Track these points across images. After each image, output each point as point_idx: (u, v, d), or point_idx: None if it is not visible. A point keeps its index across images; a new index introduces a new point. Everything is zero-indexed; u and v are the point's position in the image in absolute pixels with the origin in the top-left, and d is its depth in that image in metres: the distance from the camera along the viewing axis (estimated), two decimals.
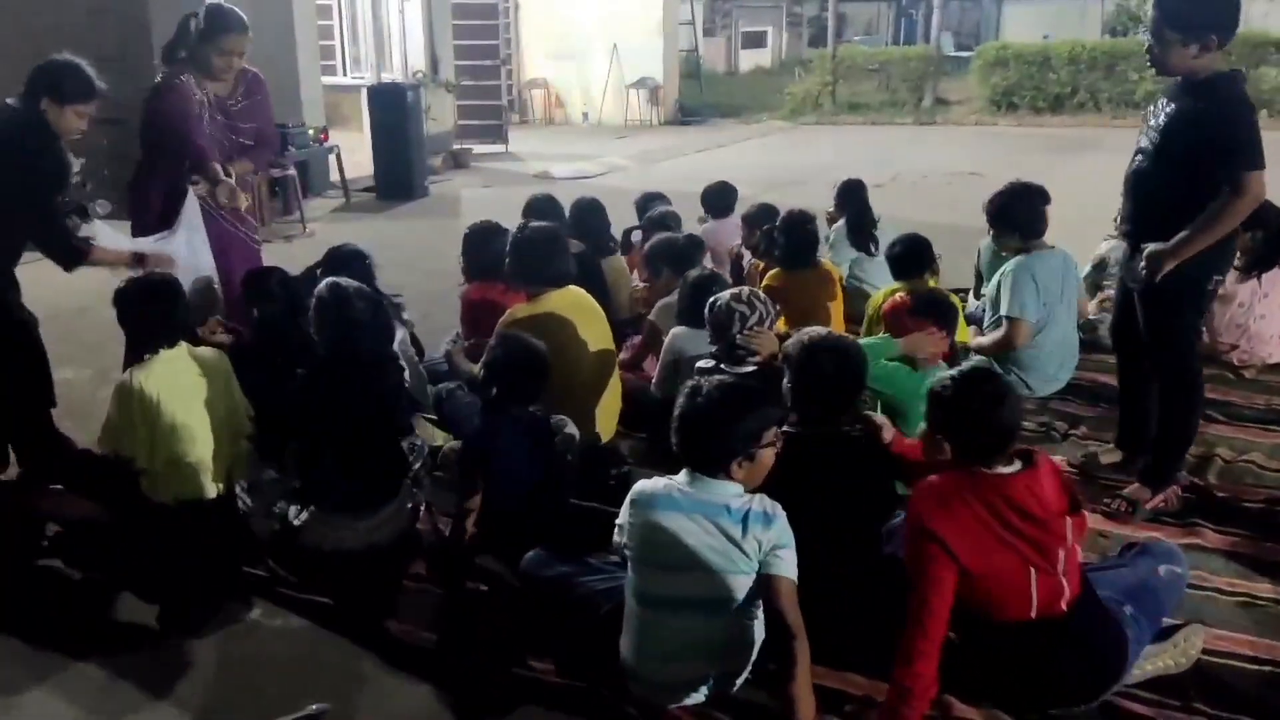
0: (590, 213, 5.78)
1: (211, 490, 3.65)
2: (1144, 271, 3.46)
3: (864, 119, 19.32)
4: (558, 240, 4.51)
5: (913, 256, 4.70)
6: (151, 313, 3.67)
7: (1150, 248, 3.44)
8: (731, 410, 2.61)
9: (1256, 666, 2.86)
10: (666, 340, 4.33)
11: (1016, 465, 2.61)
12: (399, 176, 11.20)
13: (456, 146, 13.79)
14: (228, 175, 4.49)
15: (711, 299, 3.77)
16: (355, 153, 11.80)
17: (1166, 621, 2.89)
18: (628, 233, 6.18)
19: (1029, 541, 2.54)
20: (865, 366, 3.14)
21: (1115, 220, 3.75)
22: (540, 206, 5.55)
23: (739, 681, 2.70)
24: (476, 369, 4.15)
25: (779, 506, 2.61)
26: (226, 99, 4.55)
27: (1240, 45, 16.75)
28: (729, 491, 2.60)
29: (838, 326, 4.93)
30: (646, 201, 6.67)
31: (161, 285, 3.76)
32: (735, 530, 2.54)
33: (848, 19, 34.15)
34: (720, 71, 30.01)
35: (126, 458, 3.62)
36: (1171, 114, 3.48)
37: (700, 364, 3.71)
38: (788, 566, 2.54)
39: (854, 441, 3.03)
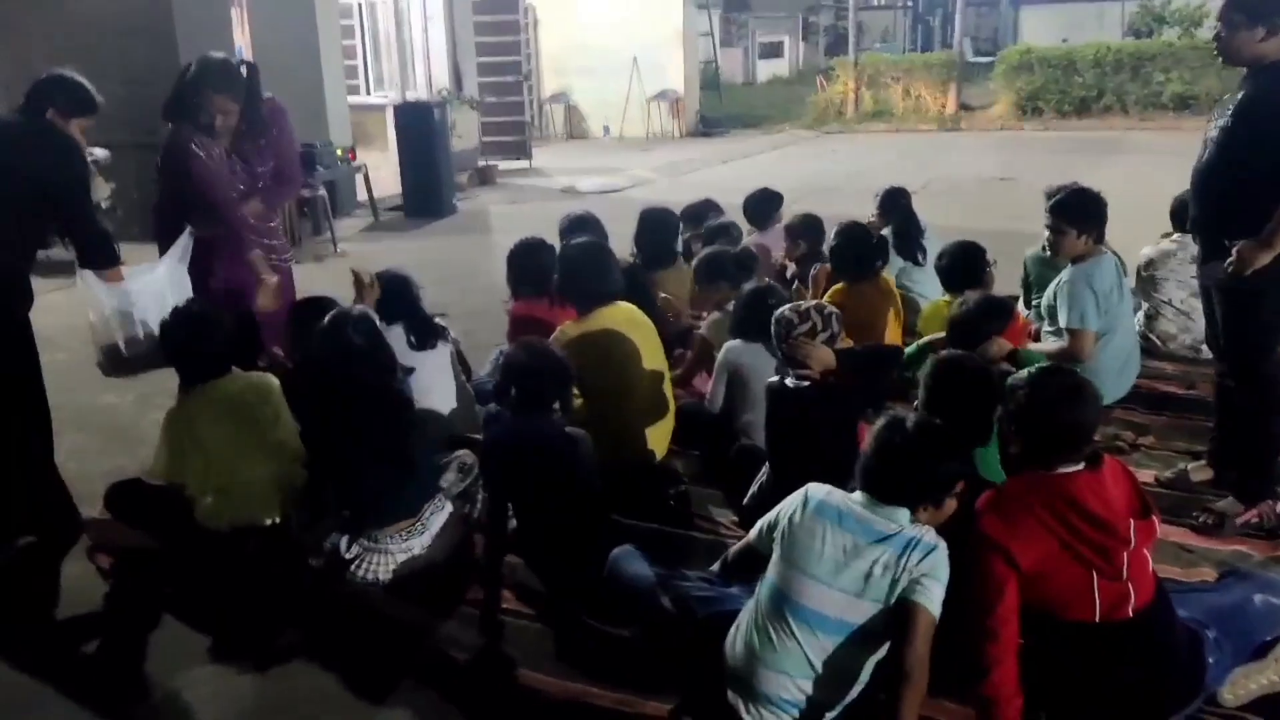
0: (659, 223, 5.72)
1: (265, 517, 3.60)
2: (1230, 269, 3.34)
3: (888, 126, 19.23)
4: (607, 255, 4.44)
5: (963, 267, 4.59)
6: (195, 345, 3.64)
7: (1241, 243, 3.32)
8: (935, 453, 2.56)
9: None
10: (720, 355, 4.23)
11: (1079, 466, 2.54)
12: (427, 194, 11.17)
13: (482, 163, 13.77)
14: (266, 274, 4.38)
15: (778, 313, 3.67)
16: (380, 171, 11.78)
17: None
18: (689, 242, 6.06)
19: (1089, 543, 2.48)
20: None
21: (1187, 223, 3.64)
22: (578, 223, 5.46)
23: (828, 718, 2.58)
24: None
25: (943, 542, 2.51)
26: (243, 142, 4.43)
27: None
28: (900, 519, 2.52)
29: (895, 339, 4.83)
30: (703, 210, 6.54)
31: (202, 317, 3.72)
32: (890, 557, 2.46)
33: (864, 27, 34.08)
34: (738, 82, 29.99)
35: (178, 485, 3.58)
36: (1240, 101, 3.41)
37: (769, 380, 3.62)
38: (932, 600, 2.42)
39: None
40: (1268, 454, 3.65)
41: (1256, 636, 2.74)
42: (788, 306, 3.64)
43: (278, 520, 3.61)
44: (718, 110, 21.34)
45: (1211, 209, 3.55)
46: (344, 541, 3.38)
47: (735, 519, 3.85)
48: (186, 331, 3.62)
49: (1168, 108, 17.49)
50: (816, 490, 2.63)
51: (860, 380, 3.52)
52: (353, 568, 3.35)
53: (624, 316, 4.24)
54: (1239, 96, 3.45)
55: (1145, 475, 3.84)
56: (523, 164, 15.15)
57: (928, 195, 10.88)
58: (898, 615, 2.43)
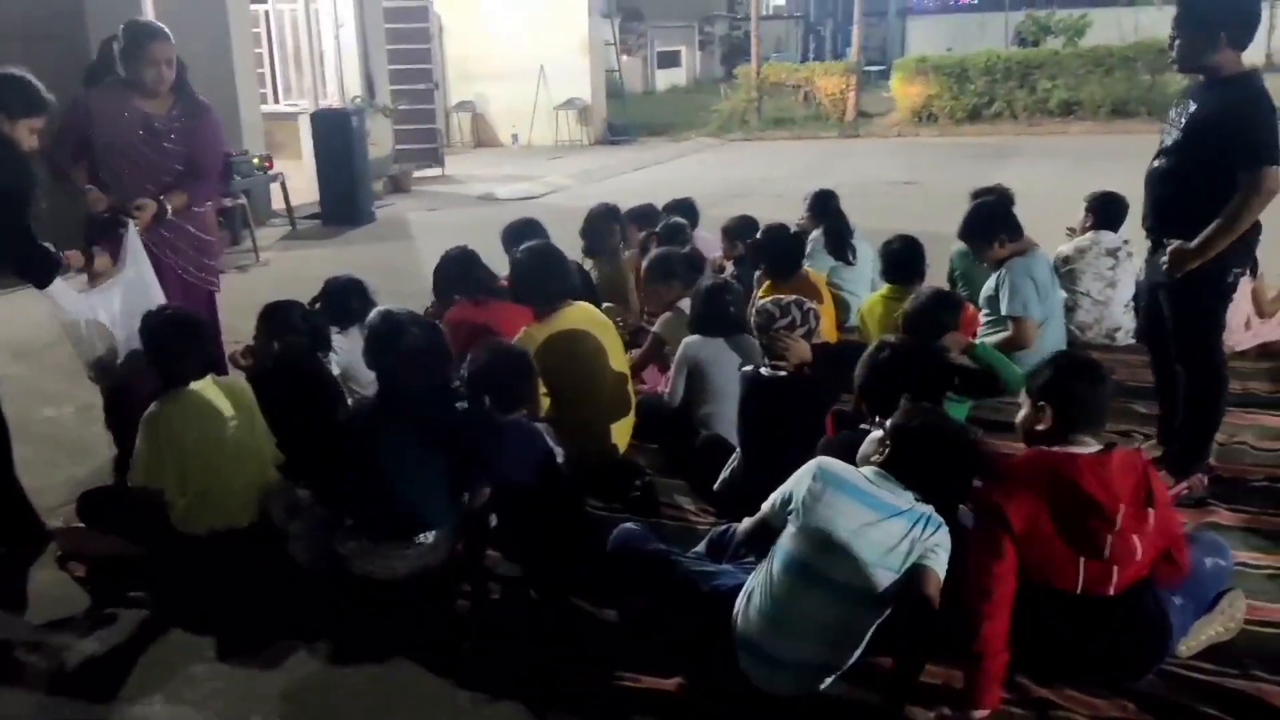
0: (602, 220, 6.09)
1: (244, 519, 3.62)
2: (1164, 267, 3.61)
3: (790, 134, 19.66)
4: (560, 256, 4.56)
5: (909, 260, 4.83)
6: (178, 347, 3.63)
7: (1173, 244, 3.59)
8: (967, 461, 2.82)
9: None
10: (680, 350, 4.38)
11: (1092, 448, 2.75)
12: (345, 202, 11.09)
13: (396, 171, 13.69)
14: (161, 208, 4.30)
15: (758, 305, 3.84)
16: (293, 179, 11.63)
17: None
18: (647, 239, 6.26)
19: (1075, 521, 2.69)
20: None
21: (1142, 219, 3.90)
22: (521, 229, 5.57)
23: (828, 680, 2.77)
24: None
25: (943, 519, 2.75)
26: (156, 116, 4.36)
27: (1146, 51, 17.54)
28: (909, 497, 2.72)
29: (829, 335, 5.04)
30: (648, 211, 6.78)
31: (185, 319, 3.73)
32: (904, 529, 2.67)
33: (752, 38, 34.72)
34: (638, 91, 30.24)
35: (155, 490, 3.57)
36: (1194, 112, 3.62)
37: (744, 369, 3.79)
38: (941, 565, 2.67)
39: None
40: (1206, 434, 3.93)
41: (1208, 595, 2.99)
42: (769, 300, 3.83)
43: (255, 520, 3.63)
44: (622, 118, 21.55)
45: (1159, 210, 3.79)
46: (339, 537, 3.42)
47: (705, 506, 4.00)
48: (168, 335, 3.61)
49: (1054, 113, 18.27)
50: (829, 464, 2.79)
51: (831, 373, 3.71)
52: (350, 566, 3.39)
53: (585, 315, 4.37)
54: (1191, 109, 3.64)
55: None
56: (435, 171, 15.11)
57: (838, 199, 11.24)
58: (909, 579, 2.64)
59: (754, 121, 20.53)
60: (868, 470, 2.80)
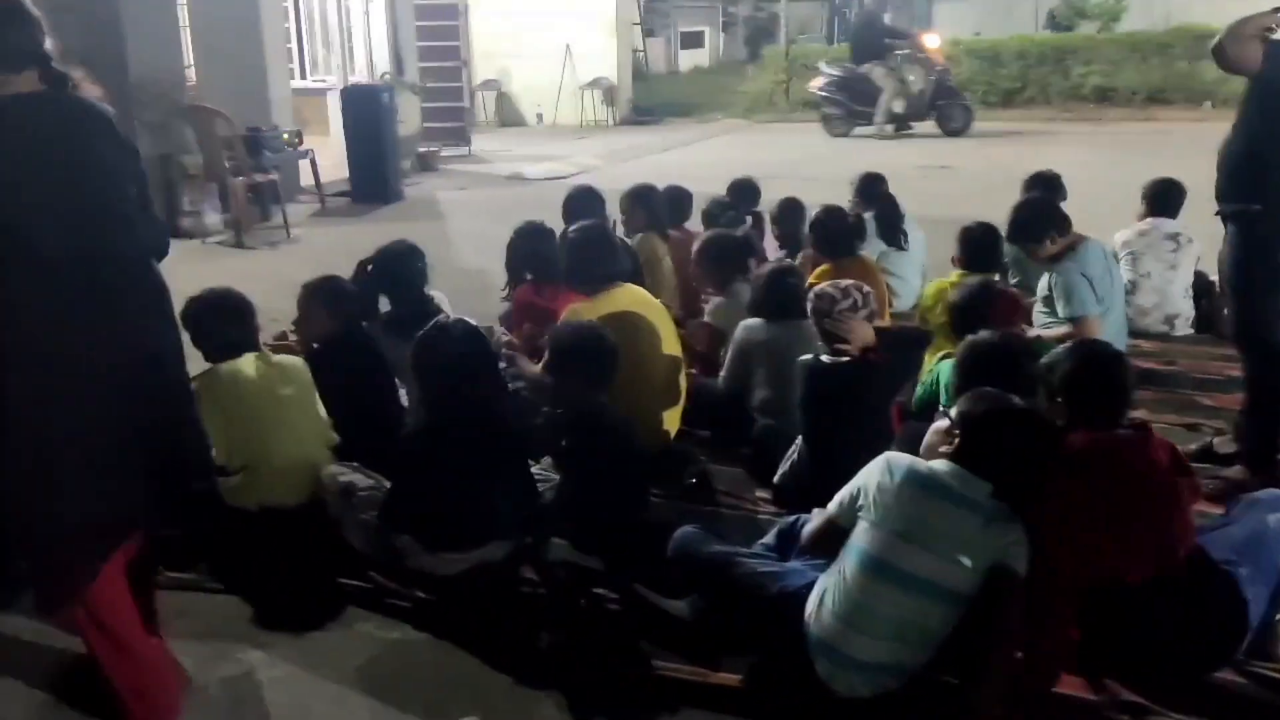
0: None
1: (294, 498, 3.54)
2: None
3: (818, 116, 19.41)
4: (611, 237, 4.47)
5: (991, 247, 4.69)
6: (222, 326, 3.56)
7: None
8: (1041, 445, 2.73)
9: None
10: (738, 333, 4.27)
11: (1130, 432, 2.75)
12: (375, 180, 10.98)
13: (423, 149, 13.57)
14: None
15: (818, 289, 3.72)
16: (320, 156, 11.53)
17: None
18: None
19: (1135, 505, 2.64)
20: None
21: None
22: (581, 202, 5.46)
23: (900, 681, 2.67)
24: (540, 368, 4.08)
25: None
26: None
27: (1183, 37, 17.27)
28: (985, 490, 2.62)
29: (883, 318, 4.92)
30: (731, 191, 6.55)
31: (230, 297, 3.65)
32: (984, 526, 2.57)
33: (782, 19, 34.42)
34: (662, 72, 30.03)
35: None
36: None
37: (803, 358, 3.66)
38: (1022, 565, 2.57)
39: None
40: (1274, 422, 3.81)
41: (1277, 559, 2.81)
42: (828, 283, 3.70)
43: (304, 500, 3.54)
44: (647, 99, 21.37)
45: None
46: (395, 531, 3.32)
47: (765, 496, 3.90)
48: (213, 311, 3.55)
49: (1089, 99, 18.01)
50: (900, 459, 2.69)
51: (895, 358, 3.59)
52: (404, 558, 3.29)
53: (636, 298, 4.26)
54: None
55: None
56: (462, 150, 14.99)
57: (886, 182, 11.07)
58: (991, 579, 2.54)
59: (782, 103, 20.31)
60: (939, 463, 2.69)
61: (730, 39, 36.51)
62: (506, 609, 3.20)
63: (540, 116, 19.60)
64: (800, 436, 3.72)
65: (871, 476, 2.68)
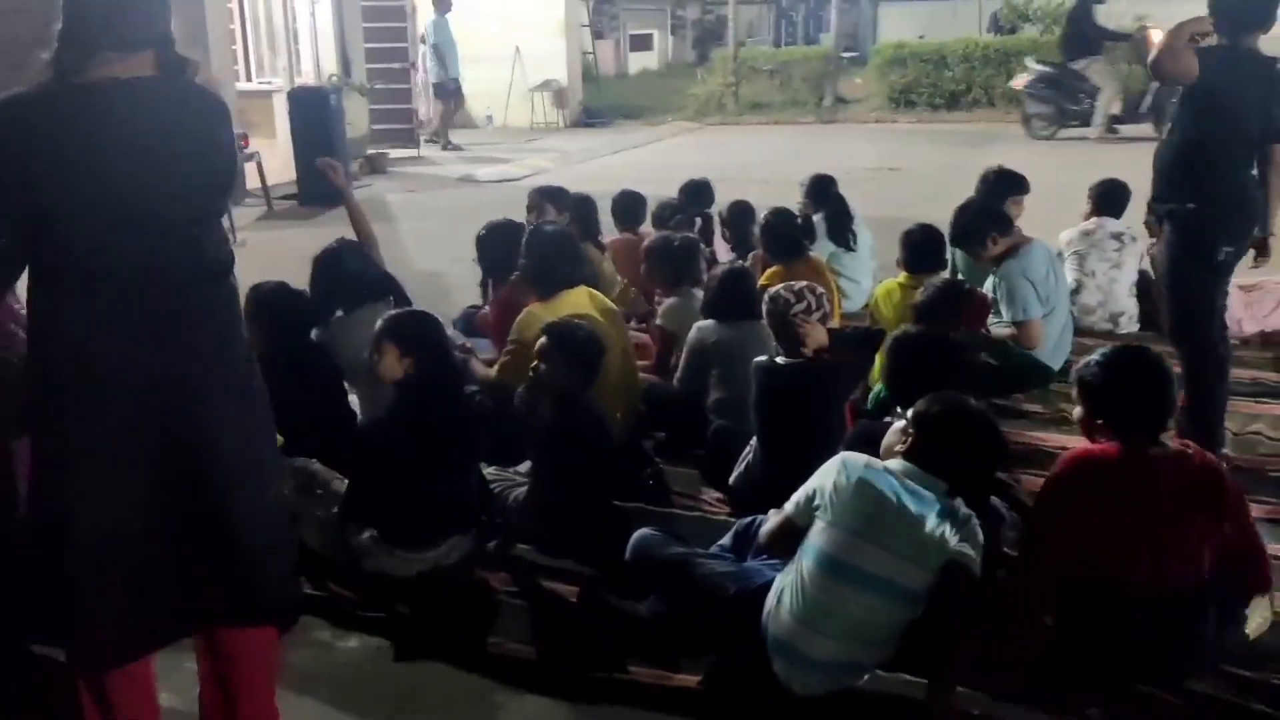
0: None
1: None
2: None
3: (767, 119, 19.53)
4: (572, 240, 4.48)
5: (932, 249, 4.75)
6: None
7: None
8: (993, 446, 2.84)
9: None
10: (692, 335, 4.29)
11: (1168, 448, 2.71)
12: (323, 183, 10.69)
13: (372, 151, 13.45)
14: None
15: (772, 291, 3.74)
16: (267, 159, 11.40)
17: None
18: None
19: (1145, 524, 2.63)
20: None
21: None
22: (551, 193, 5.53)
23: (859, 679, 2.72)
24: (492, 372, 4.10)
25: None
26: None
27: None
28: (939, 488, 2.65)
29: (835, 319, 4.97)
30: (683, 193, 6.60)
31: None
32: (938, 524, 2.60)
33: (730, 22, 34.63)
34: (612, 74, 30.03)
35: None
36: None
37: (757, 360, 3.69)
38: (976, 564, 2.61)
39: None
40: (1211, 418, 3.92)
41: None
42: (782, 285, 3.73)
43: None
44: (597, 101, 21.34)
45: None
46: (351, 529, 3.29)
47: (719, 497, 3.91)
48: None
49: None
50: (855, 459, 2.72)
51: (848, 358, 3.63)
52: (363, 562, 3.27)
53: (588, 300, 4.28)
54: None
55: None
56: (411, 152, 14.87)
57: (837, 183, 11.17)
58: (945, 575, 2.56)
59: (731, 106, 20.40)
60: (893, 462, 2.73)
61: (679, 41, 36.59)
62: (465, 613, 3.18)
63: (490, 118, 19.48)
64: (755, 438, 3.74)
65: (827, 476, 2.71)
